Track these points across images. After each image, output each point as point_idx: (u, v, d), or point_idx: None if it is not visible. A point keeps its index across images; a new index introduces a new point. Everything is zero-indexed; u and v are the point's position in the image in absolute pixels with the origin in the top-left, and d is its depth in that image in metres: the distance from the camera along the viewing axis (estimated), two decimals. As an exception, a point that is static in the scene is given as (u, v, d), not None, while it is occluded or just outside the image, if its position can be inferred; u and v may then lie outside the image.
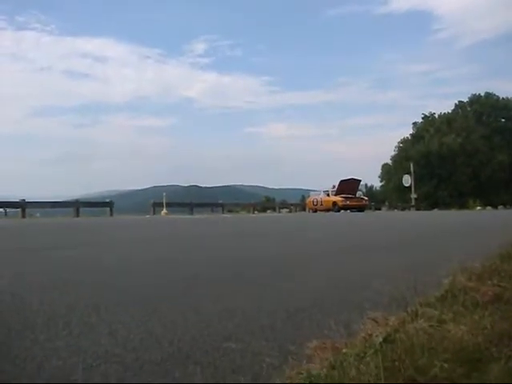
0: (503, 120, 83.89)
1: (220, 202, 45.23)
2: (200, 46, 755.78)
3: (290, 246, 7.15)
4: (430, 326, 2.05)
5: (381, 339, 1.84)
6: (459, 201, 69.45)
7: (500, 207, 64.16)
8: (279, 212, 44.94)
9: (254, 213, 42.53)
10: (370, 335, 1.93)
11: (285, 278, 3.77)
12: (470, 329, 2.03)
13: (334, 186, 41.38)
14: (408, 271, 3.93)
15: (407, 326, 2.05)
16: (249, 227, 13.27)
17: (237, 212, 42.96)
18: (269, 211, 47.76)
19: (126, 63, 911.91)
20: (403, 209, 57.78)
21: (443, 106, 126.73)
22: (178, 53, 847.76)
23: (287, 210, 48.89)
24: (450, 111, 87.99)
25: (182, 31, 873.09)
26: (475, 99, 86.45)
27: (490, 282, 3.05)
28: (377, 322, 2.12)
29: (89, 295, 3.04)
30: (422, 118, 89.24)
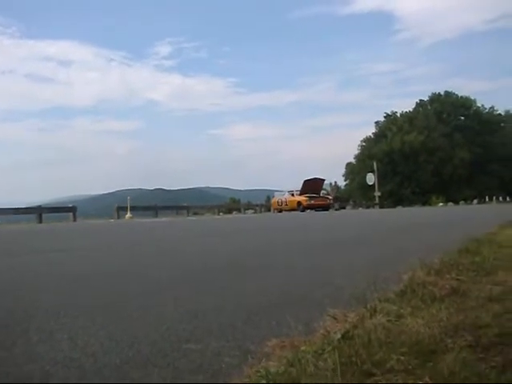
0: (462, 118, 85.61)
1: (185, 204, 45.01)
2: (164, 49, 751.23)
3: (249, 243, 7.15)
4: (388, 320, 2.08)
5: (339, 336, 1.86)
6: (422, 198, 70.65)
7: (461, 203, 65.51)
8: (244, 213, 44.91)
9: (219, 215, 42.44)
10: (329, 332, 1.95)
11: (242, 273, 3.78)
12: (427, 322, 2.07)
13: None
14: (369, 267, 3.98)
15: (366, 321, 2.08)
16: (208, 228, 13.30)
17: (202, 214, 42.80)
18: (234, 213, 47.69)
19: (90, 66, 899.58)
20: (367, 207, 58.40)
21: (406, 105, 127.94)
22: (143, 55, 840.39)
23: (252, 211, 48.89)
24: (411, 110, 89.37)
25: (147, 34, 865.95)
26: (435, 98, 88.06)
27: (448, 276, 3.12)
28: (336, 318, 2.15)
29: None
30: (385, 117, 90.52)
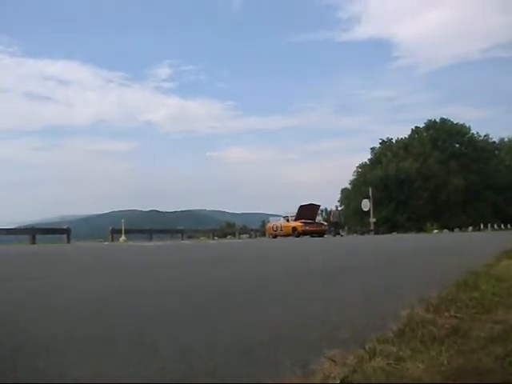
0: (457, 145, 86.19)
1: (180, 228, 45.01)
2: (164, 71, 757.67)
3: (243, 273, 7.08)
4: (388, 364, 2.03)
5: (338, 382, 1.81)
6: (417, 224, 70.71)
7: (456, 230, 65.62)
8: (239, 238, 44.84)
9: (213, 239, 42.36)
10: (328, 377, 1.89)
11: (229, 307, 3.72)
12: (428, 366, 2.02)
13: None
14: (365, 301, 3.93)
15: (365, 365, 2.02)
16: (203, 254, 13.20)
17: (197, 238, 42.76)
18: (229, 237, 47.69)
19: (88, 86, 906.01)
20: (362, 233, 58.38)
21: (402, 132, 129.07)
22: (142, 77, 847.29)
23: (247, 235, 48.88)
24: (406, 136, 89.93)
25: (146, 55, 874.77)
26: (431, 125, 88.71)
27: (447, 314, 3.07)
28: (334, 361, 2.09)
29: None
30: (380, 143, 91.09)
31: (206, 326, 3.02)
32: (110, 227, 35.84)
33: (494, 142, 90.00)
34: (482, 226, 67.01)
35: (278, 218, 42.99)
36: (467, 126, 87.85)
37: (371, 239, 29.76)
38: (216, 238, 44.13)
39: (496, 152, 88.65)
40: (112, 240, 33.73)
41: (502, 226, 68.94)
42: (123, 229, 35.24)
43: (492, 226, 66.62)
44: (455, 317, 3.01)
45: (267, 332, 2.81)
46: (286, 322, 3.18)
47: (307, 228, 38.98)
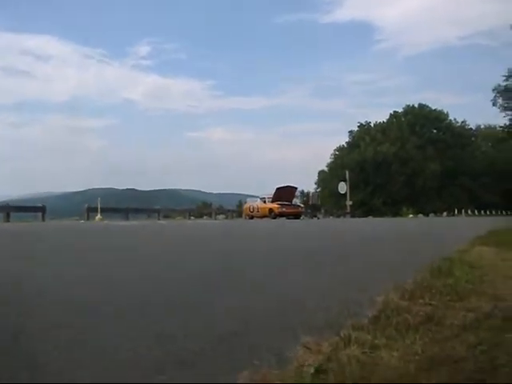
0: (435, 131, 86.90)
1: (156, 207, 44.89)
2: (143, 48, 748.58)
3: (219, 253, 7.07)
4: (363, 353, 2.03)
5: (313, 370, 1.80)
6: (393, 208, 71.42)
7: (431, 215, 66.34)
8: (215, 218, 44.83)
9: (190, 219, 42.33)
10: (302, 365, 1.89)
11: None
12: (402, 355, 2.03)
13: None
14: (342, 285, 3.94)
15: (340, 353, 2.02)
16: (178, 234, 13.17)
17: (173, 218, 42.67)
18: (205, 217, 47.63)
19: (67, 62, 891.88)
20: (338, 216, 58.75)
21: (381, 116, 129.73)
22: (121, 54, 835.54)
23: (224, 216, 48.87)
24: (385, 121, 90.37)
25: (126, 33, 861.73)
26: (409, 110, 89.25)
27: (421, 301, 3.08)
28: (309, 348, 2.09)
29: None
30: (358, 127, 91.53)
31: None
32: (86, 205, 35.54)
33: (471, 129, 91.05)
34: (456, 211, 67.81)
35: (255, 199, 43.06)
36: (445, 111, 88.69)
37: (348, 222, 29.99)
38: (192, 217, 44.09)
39: (473, 138, 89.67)
40: (88, 219, 33.47)
41: (476, 212, 69.79)
42: (99, 207, 34.98)
43: (466, 212, 67.49)
44: (430, 304, 3.03)
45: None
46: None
47: (284, 210, 39.13)
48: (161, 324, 2.61)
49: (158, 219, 38.07)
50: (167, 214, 45.02)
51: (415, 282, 3.81)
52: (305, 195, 60.43)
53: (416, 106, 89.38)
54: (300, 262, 6.06)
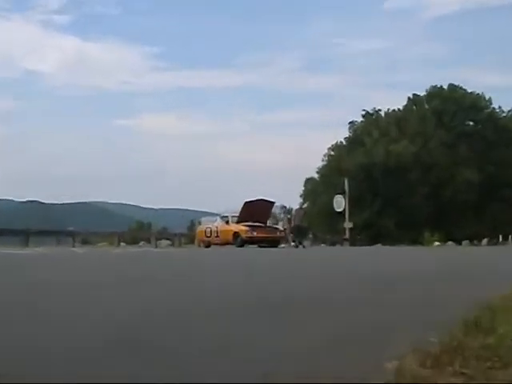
0: (471, 123, 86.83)
1: (70, 229, 44.53)
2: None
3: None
4: None
5: None
6: (411, 233, 71.42)
7: (465, 242, 66.31)
8: (156, 245, 44.61)
9: (118, 245, 42.05)
10: None
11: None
12: None
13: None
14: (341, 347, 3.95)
15: None
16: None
17: (94, 244, 42.36)
18: (142, 243, 47.33)
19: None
20: (333, 243, 58.85)
21: (395, 101, 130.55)
22: (24, 5, 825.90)
23: (168, 242, 48.68)
24: (400, 108, 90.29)
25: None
26: (435, 93, 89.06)
27: (450, 369, 3.10)
28: None
29: None
30: (363, 116, 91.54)
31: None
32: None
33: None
34: (501, 238, 67.75)
35: (214, 218, 42.90)
36: (486, 96, 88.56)
37: (346, 254, 30.06)
38: (123, 244, 43.67)
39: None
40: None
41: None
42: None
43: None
44: (461, 373, 3.05)
45: None
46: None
47: (255, 234, 38.99)
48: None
49: (73, 246, 37.74)
50: (87, 239, 44.68)
51: (442, 341, 3.83)
52: (285, 213, 60.41)
53: (445, 87, 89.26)
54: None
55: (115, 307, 6.55)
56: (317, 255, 26.54)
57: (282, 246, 41.29)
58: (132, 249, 37.14)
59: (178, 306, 6.80)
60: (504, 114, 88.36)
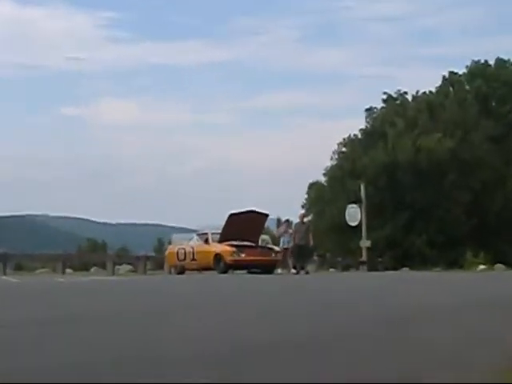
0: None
1: (0, 250, 44.54)
2: None
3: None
4: None
5: None
6: (448, 253, 71.56)
7: (518, 266, 66.45)
8: (114, 272, 44.51)
9: (63, 273, 42.00)
10: None
11: None
12: None
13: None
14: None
15: None
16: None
17: (33, 271, 42.42)
18: (94, 269, 47.34)
19: None
20: (346, 267, 58.89)
21: (425, 80, 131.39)
22: None
23: (130, 267, 48.68)
24: (433, 90, 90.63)
25: None
26: (478, 70, 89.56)
27: None
28: None
29: None
30: (384, 102, 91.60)
31: None
32: None
33: None
34: None
35: (189, 235, 42.88)
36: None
37: (363, 283, 29.73)
38: (69, 270, 43.72)
39: None
40: None
41: None
42: None
43: None
44: None
45: None
46: None
47: (242, 256, 38.90)
48: None
49: (4, 273, 37.75)
50: (22, 264, 44.77)
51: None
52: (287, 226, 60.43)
53: (491, 62, 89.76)
54: None
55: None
56: (325, 285, 25.96)
57: (279, 271, 41.16)
58: (82, 277, 37.02)
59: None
60: None
